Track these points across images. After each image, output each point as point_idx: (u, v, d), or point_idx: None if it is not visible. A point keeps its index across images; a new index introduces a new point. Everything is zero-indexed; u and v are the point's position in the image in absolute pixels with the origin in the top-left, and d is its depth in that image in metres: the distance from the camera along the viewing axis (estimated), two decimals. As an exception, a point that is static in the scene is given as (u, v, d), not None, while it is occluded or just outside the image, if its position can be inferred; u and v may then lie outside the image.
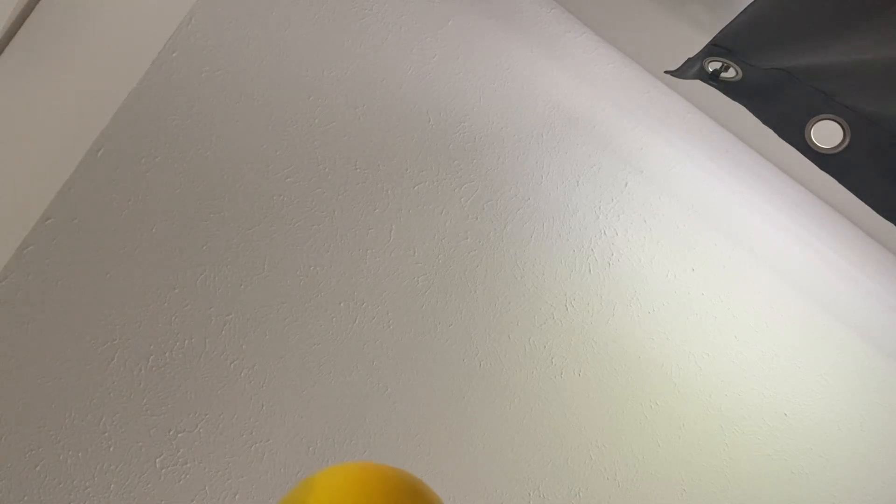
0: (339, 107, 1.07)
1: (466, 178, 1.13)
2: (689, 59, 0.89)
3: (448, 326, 1.10)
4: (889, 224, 0.87)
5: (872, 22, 0.69)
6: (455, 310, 1.11)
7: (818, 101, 0.82)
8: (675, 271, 1.21)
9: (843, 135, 0.82)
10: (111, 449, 0.96)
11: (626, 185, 1.20)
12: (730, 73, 0.86)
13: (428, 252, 1.10)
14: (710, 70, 0.88)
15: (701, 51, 0.86)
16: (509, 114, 1.16)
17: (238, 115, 1.02)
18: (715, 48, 0.84)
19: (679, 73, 0.92)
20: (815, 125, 0.83)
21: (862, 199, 0.86)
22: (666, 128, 1.23)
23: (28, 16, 1.03)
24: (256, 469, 1.01)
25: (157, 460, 0.97)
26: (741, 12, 0.79)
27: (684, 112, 1.24)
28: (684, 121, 1.23)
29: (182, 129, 1.00)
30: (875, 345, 1.29)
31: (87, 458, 0.95)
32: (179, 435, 0.98)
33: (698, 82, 0.91)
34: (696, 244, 1.23)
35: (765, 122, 0.89)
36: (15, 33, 1.02)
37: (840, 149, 0.83)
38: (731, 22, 0.81)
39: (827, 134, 0.83)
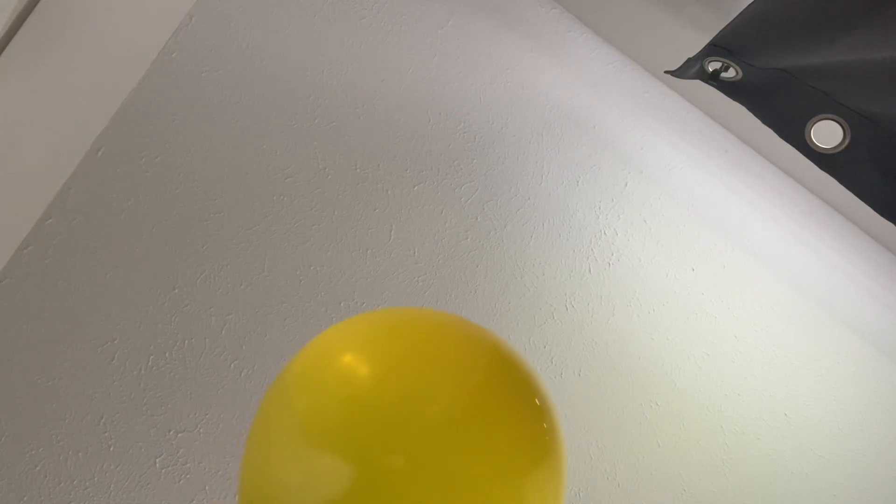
0: (339, 107, 1.07)
1: (466, 178, 1.13)
2: (689, 59, 0.89)
3: (448, 326, 1.10)
4: (889, 224, 0.87)
5: (872, 22, 0.68)
6: (455, 310, 1.10)
7: (818, 101, 0.82)
8: (675, 271, 1.21)
9: (843, 135, 0.82)
10: (111, 449, 0.96)
11: (626, 185, 1.20)
12: (730, 73, 0.86)
13: (428, 252, 1.10)
14: (710, 70, 0.87)
15: (701, 51, 0.86)
16: (509, 114, 1.16)
17: (238, 115, 1.02)
18: (715, 48, 0.83)
19: (679, 73, 0.91)
20: (815, 125, 0.83)
21: (862, 199, 0.86)
22: (666, 128, 1.23)
23: (28, 16, 1.03)
24: (256, 469, 1.01)
25: (157, 460, 0.97)
26: (741, 12, 0.79)
27: (684, 112, 1.24)
28: (684, 121, 1.23)
29: (182, 129, 1.00)
30: (875, 344, 1.29)
31: (87, 458, 0.95)
32: (179, 435, 0.98)
33: (698, 82, 0.91)
34: (696, 244, 1.23)
35: (765, 122, 0.89)
36: (15, 33, 1.02)
37: (840, 149, 0.83)
38: (731, 22, 0.81)
39: (827, 134, 0.83)
